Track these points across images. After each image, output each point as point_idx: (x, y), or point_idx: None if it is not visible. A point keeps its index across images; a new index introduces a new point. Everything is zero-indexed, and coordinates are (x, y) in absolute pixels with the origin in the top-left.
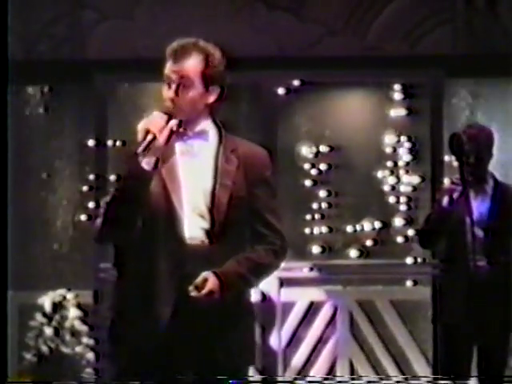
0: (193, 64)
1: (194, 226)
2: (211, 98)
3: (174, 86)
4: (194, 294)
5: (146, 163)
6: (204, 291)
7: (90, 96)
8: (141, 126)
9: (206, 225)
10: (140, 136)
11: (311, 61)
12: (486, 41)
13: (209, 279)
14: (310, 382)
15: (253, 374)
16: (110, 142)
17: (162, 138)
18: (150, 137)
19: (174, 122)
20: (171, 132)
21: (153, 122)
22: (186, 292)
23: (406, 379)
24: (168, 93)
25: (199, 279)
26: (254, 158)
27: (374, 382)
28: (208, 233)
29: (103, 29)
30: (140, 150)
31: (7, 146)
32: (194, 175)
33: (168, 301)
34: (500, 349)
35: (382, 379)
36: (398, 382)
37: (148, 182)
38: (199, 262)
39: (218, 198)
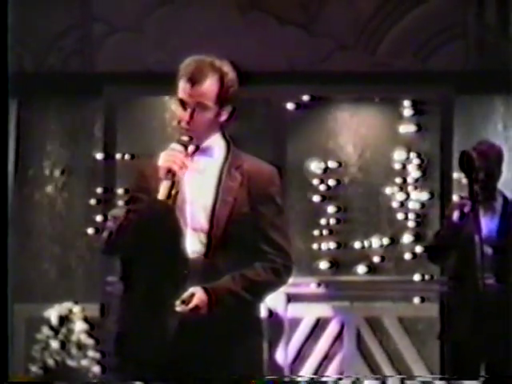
0: (209, 86)
1: (194, 241)
2: (223, 117)
3: (189, 110)
4: (179, 308)
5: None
6: (189, 306)
7: (99, 109)
8: (162, 164)
9: (202, 240)
10: (161, 174)
11: (321, 76)
12: (497, 57)
13: (196, 294)
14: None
15: None
16: (118, 156)
17: (182, 171)
18: (170, 177)
19: (191, 150)
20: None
21: (173, 159)
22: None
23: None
24: (184, 115)
25: (186, 294)
26: (260, 175)
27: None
28: (205, 249)
29: (113, 42)
30: (163, 197)
31: (7, 158)
32: (197, 190)
33: (174, 314)
34: (507, 366)
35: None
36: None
37: (170, 213)
38: (199, 276)
39: (217, 213)
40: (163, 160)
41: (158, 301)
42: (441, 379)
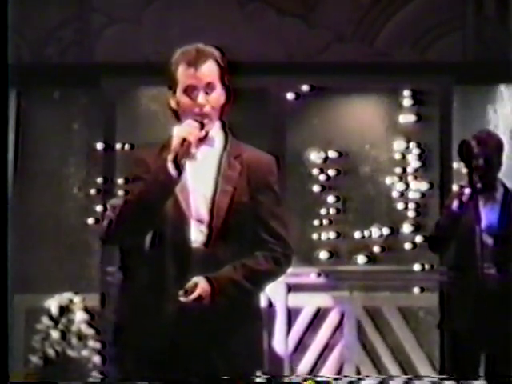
0: (212, 67)
1: (196, 230)
2: (222, 99)
3: (202, 92)
4: (182, 298)
5: (173, 169)
6: (192, 296)
7: (97, 100)
8: (176, 133)
9: (202, 230)
10: (175, 143)
11: (320, 66)
12: (496, 48)
13: (199, 284)
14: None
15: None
16: (118, 146)
17: (194, 147)
18: (186, 145)
19: (206, 130)
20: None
21: (189, 130)
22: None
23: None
24: (190, 102)
25: (190, 284)
26: (259, 165)
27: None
28: (206, 238)
29: (111, 33)
30: (179, 157)
31: (7, 148)
32: (197, 180)
33: (175, 304)
34: (508, 357)
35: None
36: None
37: (172, 188)
38: (200, 266)
39: (217, 203)
40: (178, 130)
41: (158, 290)
42: (446, 379)
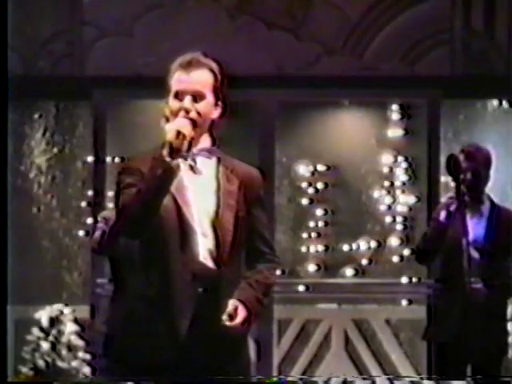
0: (204, 75)
1: (202, 243)
2: (216, 114)
3: (189, 98)
4: (228, 323)
5: (171, 161)
6: (239, 320)
7: (88, 112)
8: (169, 128)
9: (208, 244)
10: (169, 136)
11: (309, 80)
12: (484, 62)
13: (238, 307)
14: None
15: None
16: (108, 159)
17: (189, 140)
18: (181, 137)
19: (197, 133)
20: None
21: (182, 125)
22: (196, 308)
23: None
24: (184, 104)
25: (230, 308)
26: (251, 178)
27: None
28: (214, 253)
29: (103, 45)
30: (176, 149)
31: (7, 159)
32: (198, 193)
33: (184, 315)
34: (493, 369)
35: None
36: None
37: (171, 182)
38: (206, 280)
39: (222, 217)
40: (170, 125)
41: (159, 302)
42: (428, 379)
